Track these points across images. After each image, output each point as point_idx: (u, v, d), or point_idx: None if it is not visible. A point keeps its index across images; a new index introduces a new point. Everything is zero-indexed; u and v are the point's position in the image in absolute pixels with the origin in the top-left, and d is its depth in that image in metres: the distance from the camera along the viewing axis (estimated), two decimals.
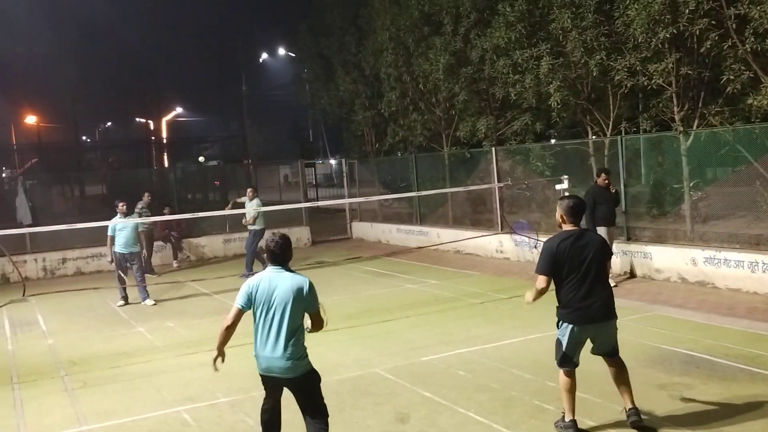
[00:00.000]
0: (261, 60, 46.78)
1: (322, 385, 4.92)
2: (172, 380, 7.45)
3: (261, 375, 4.85)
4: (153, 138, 45.13)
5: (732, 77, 10.44)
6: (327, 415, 4.87)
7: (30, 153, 34.46)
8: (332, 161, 44.74)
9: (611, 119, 12.98)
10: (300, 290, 4.71)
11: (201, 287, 13.35)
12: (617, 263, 11.65)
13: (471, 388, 6.59)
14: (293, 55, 29.54)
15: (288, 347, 4.67)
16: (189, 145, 44.08)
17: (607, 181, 10.85)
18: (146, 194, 15.54)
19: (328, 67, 21.66)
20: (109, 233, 11.72)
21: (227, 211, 14.76)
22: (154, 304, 11.80)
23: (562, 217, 5.40)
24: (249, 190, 14.42)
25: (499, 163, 15.15)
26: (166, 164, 39.23)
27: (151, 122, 47.02)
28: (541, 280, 5.26)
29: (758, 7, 9.82)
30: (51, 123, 43.64)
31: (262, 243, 13.83)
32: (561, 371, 5.34)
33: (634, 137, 13.03)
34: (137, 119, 51.60)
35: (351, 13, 20.28)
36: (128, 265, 11.89)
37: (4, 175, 35.16)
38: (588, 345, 5.41)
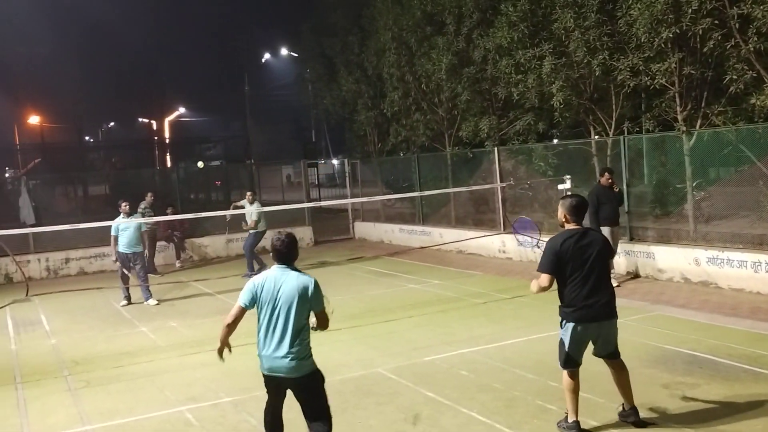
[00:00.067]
0: (264, 60, 46.84)
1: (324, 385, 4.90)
2: (175, 380, 7.46)
3: (264, 375, 4.81)
4: (156, 138, 45.21)
5: (735, 77, 10.43)
6: (330, 417, 4.82)
7: (33, 153, 34.48)
8: (335, 161, 44.76)
9: (614, 119, 12.97)
10: (305, 289, 4.69)
11: (204, 287, 13.36)
12: (620, 263, 11.64)
13: (474, 388, 6.59)
14: (296, 55, 29.58)
15: (293, 347, 4.64)
16: (192, 146, 44.09)
17: (610, 181, 10.84)
18: (149, 194, 15.57)
19: (331, 67, 21.67)
20: (113, 233, 11.75)
21: (230, 211, 14.74)
22: (157, 304, 11.81)
23: (565, 216, 5.39)
24: (248, 193, 14.25)
25: (502, 163, 15.15)
26: (169, 164, 39.27)
27: (153, 122, 47.13)
28: (544, 279, 5.25)
29: (761, 7, 9.80)
30: (54, 123, 43.75)
31: (263, 243, 14.03)
32: (564, 372, 5.34)
33: (636, 137, 13.02)
34: (140, 119, 51.72)
35: (354, 13, 20.28)
36: (131, 265, 11.91)
37: (7, 175, 35.24)
38: (590, 347, 5.41)
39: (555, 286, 5.30)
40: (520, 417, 5.81)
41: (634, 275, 11.61)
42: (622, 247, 11.51)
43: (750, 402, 5.81)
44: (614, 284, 6.66)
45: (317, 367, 4.83)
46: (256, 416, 5.72)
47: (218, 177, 28.46)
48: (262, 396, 5.07)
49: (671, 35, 10.82)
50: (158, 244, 16.38)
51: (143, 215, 14.15)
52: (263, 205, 14.49)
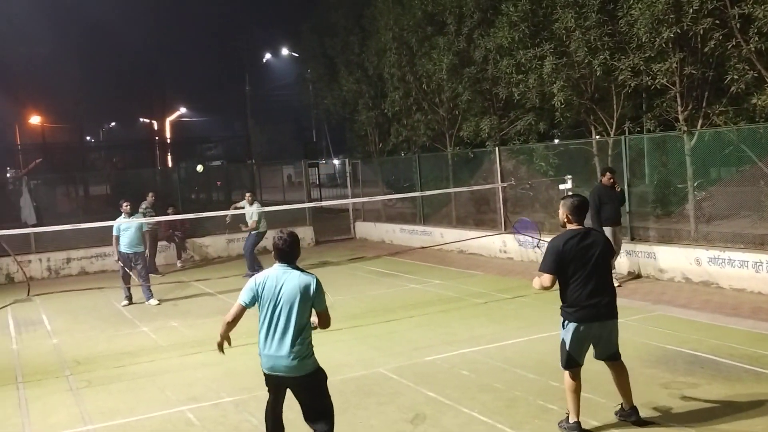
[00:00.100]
0: (264, 60, 46.82)
1: None
2: (176, 380, 7.46)
3: (265, 373, 4.78)
4: (157, 138, 45.19)
5: (736, 77, 10.43)
6: (332, 417, 4.78)
7: (34, 153, 34.49)
8: (335, 161, 44.76)
9: (615, 119, 12.97)
10: (307, 288, 4.68)
11: (205, 287, 13.36)
12: (621, 263, 11.64)
13: (475, 388, 6.59)
14: (296, 55, 29.63)
15: (294, 346, 4.61)
16: (193, 145, 44.11)
17: (612, 180, 10.82)
18: (150, 194, 15.57)
19: (332, 67, 21.69)
20: (114, 233, 11.77)
21: (231, 211, 14.73)
22: (158, 304, 11.82)
23: (566, 216, 5.39)
24: (247, 194, 14.14)
25: (503, 163, 15.15)
26: (170, 164, 39.29)
27: (154, 122, 47.10)
28: (546, 279, 5.24)
29: (762, 7, 9.80)
30: (55, 123, 43.74)
31: (264, 243, 14.03)
32: (566, 372, 5.34)
33: (637, 137, 13.02)
34: (141, 119, 51.72)
35: (354, 13, 20.30)
36: (132, 264, 11.92)
37: (8, 175, 35.22)
38: (590, 350, 5.41)
39: (556, 285, 5.30)
40: (521, 417, 5.81)
41: (636, 275, 11.61)
42: (623, 247, 11.49)
43: (751, 402, 5.81)
44: (616, 284, 6.65)
45: (319, 365, 4.80)
46: (257, 416, 5.72)
47: (219, 177, 28.47)
48: (263, 396, 5.07)
49: (672, 35, 10.82)
50: (159, 244, 16.38)
51: (144, 215, 14.16)
52: (264, 205, 14.45)
